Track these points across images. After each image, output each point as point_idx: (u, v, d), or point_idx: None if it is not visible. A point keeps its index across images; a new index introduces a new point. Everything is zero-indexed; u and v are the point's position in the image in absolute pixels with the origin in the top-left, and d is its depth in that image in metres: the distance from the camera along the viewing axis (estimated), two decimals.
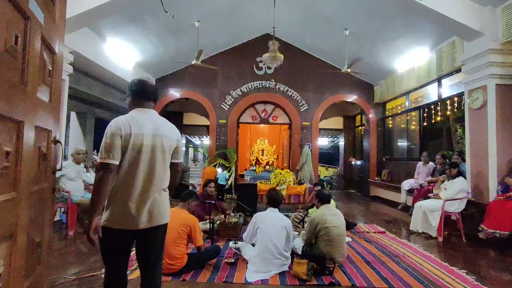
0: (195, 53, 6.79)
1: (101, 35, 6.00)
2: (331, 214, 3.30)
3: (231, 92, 8.96)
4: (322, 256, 3.10)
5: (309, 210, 4.29)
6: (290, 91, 8.99)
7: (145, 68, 8.00)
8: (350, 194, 10.03)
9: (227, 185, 8.07)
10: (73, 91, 6.53)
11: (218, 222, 4.31)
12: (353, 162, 10.86)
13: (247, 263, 3.16)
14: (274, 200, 3.20)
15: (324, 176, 12.88)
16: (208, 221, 4.19)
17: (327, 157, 15.06)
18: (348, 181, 11.28)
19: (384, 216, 6.30)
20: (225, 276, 2.94)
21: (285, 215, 5.27)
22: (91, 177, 4.55)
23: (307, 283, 2.82)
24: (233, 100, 8.96)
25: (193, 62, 6.68)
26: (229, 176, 8.52)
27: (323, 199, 3.44)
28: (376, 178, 8.74)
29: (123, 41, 6.46)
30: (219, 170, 8.02)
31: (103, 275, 1.85)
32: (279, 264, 3.04)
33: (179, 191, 8.34)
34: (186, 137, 12.55)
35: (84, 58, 5.60)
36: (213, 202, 3.96)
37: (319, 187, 4.50)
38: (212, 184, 4.73)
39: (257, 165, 10.08)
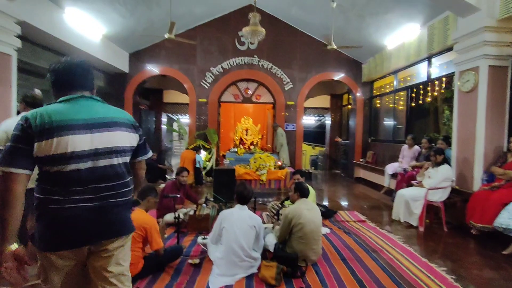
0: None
1: (58, 3, 5.30)
2: (307, 209, 3.06)
3: (211, 69, 8.51)
4: (293, 256, 2.86)
5: (285, 202, 4.02)
6: (275, 69, 8.63)
7: (115, 41, 7.35)
8: (335, 175, 9.99)
9: (206, 168, 7.76)
10: (32, 67, 5.89)
11: (185, 213, 4.05)
12: (339, 142, 10.70)
13: (212, 264, 2.89)
14: (242, 196, 2.90)
15: (310, 155, 12.78)
16: (177, 212, 3.89)
17: (314, 136, 14.86)
18: (333, 162, 11.23)
19: (366, 200, 6.22)
20: (185, 281, 2.66)
21: (262, 204, 5.14)
22: None
23: None
24: (213, 77, 8.55)
25: (166, 36, 6.06)
26: (210, 158, 8.24)
27: (302, 193, 3.19)
28: (361, 160, 8.66)
29: (84, 11, 5.77)
30: (201, 153, 7.66)
31: None
32: (247, 267, 2.78)
33: (156, 176, 7.91)
34: (168, 116, 12.01)
35: (38, 31, 4.96)
36: (178, 196, 3.66)
37: (298, 176, 4.21)
38: (185, 173, 4.43)
39: (241, 146, 9.81)
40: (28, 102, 2.77)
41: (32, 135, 1.23)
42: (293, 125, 8.77)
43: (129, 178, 1.46)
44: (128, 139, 1.46)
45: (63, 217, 1.27)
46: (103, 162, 1.35)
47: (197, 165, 7.22)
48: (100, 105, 1.42)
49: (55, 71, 1.39)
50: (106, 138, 1.37)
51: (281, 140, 7.99)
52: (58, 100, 1.36)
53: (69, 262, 1.34)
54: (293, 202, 3.31)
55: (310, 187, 4.45)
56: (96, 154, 1.33)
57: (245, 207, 2.93)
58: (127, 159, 1.47)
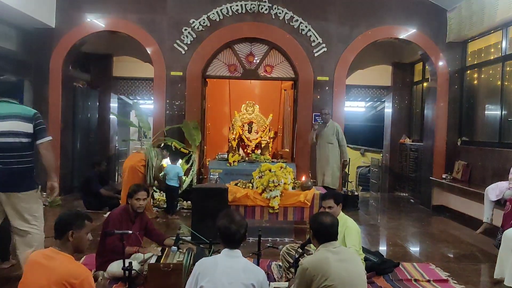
0: None
1: None
2: (339, 260, 3.03)
3: (191, 21, 8.58)
4: None
5: (309, 246, 4.01)
6: (297, 20, 8.65)
7: None
8: (398, 201, 9.94)
9: (182, 187, 7.82)
10: None
11: (142, 261, 4.07)
12: (407, 145, 10.66)
13: None
14: (228, 234, 2.90)
15: (358, 167, 12.72)
16: (128, 260, 3.93)
17: (364, 134, 14.77)
18: (396, 178, 11.13)
19: (452, 245, 6.19)
20: None
21: (272, 247, 5.12)
22: None
23: None
24: (195, 35, 8.62)
25: None
26: (188, 169, 8.29)
27: (320, 235, 3.16)
28: (444, 176, 8.58)
29: None
30: (166, 160, 7.68)
31: None
32: None
33: (101, 200, 7.98)
34: (120, 99, 12.10)
35: None
36: (129, 232, 3.66)
37: (329, 202, 4.21)
38: (143, 194, 4.46)
39: (240, 149, 9.82)
40: None
41: None
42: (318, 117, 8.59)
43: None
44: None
45: None
46: None
47: (169, 182, 7.26)
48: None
49: None
50: None
51: (333, 142, 7.86)
52: None
53: None
54: (315, 247, 3.29)
55: (351, 221, 4.46)
56: None
57: (238, 252, 2.93)
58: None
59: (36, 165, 4.09)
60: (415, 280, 4.60)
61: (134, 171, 7.01)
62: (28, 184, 3.94)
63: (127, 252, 4.10)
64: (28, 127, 3.88)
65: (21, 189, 3.89)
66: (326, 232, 3.15)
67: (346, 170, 8.33)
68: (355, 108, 13.79)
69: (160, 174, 7.37)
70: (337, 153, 7.91)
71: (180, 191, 7.73)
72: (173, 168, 7.48)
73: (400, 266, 4.96)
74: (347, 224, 4.24)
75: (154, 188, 7.73)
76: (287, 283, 3.68)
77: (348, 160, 8.22)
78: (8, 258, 4.62)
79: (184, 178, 7.95)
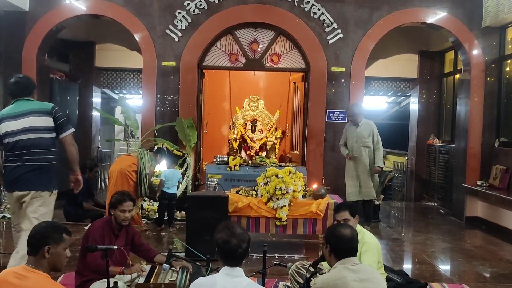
0: None
1: None
2: (358, 280, 3.00)
3: (186, 4, 8.60)
4: None
5: (322, 264, 3.99)
6: (308, 2, 8.69)
7: None
8: (426, 211, 9.98)
9: (179, 194, 7.84)
10: None
11: (128, 281, 4.06)
12: (436, 146, 10.69)
13: None
14: (228, 250, 2.87)
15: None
16: (113, 280, 3.89)
17: (387, 134, 14.77)
18: (424, 185, 11.18)
19: (489, 263, 6.18)
20: None
21: (279, 264, 5.10)
22: None
23: None
24: (190, 20, 8.64)
25: None
26: (183, 173, 8.32)
27: (338, 250, 3.15)
28: (479, 182, 8.55)
29: None
30: (161, 164, 7.67)
31: None
32: None
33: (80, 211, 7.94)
34: (104, 93, 12.14)
35: None
36: (114, 247, 3.61)
37: (345, 214, 4.18)
38: (128, 205, 4.44)
39: (242, 151, 9.81)
40: None
41: None
42: (343, 112, 8.73)
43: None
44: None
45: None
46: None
47: (166, 189, 7.30)
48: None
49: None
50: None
51: (371, 145, 7.70)
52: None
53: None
54: (330, 265, 3.26)
55: (370, 235, 4.42)
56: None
57: (239, 270, 2.91)
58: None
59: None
60: None
61: (124, 177, 6.92)
62: (42, 184, 4.36)
63: (112, 271, 4.06)
64: (47, 121, 4.38)
65: (34, 187, 4.31)
66: (346, 247, 3.17)
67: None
68: (376, 104, 13.75)
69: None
70: (374, 159, 7.78)
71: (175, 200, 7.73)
72: (174, 174, 7.53)
73: (428, 287, 4.91)
74: (365, 239, 4.23)
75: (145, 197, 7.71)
76: None
77: (382, 168, 8.04)
78: None
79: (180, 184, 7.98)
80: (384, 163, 8.69)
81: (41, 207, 4.36)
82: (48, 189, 4.41)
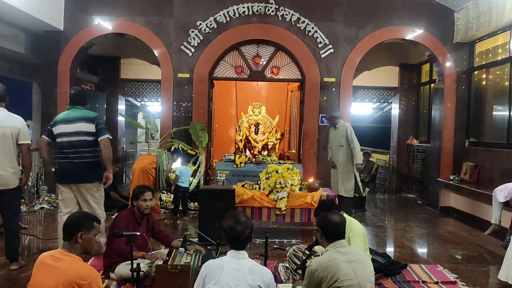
0: None
1: None
2: (347, 261, 3.02)
3: (198, 24, 8.63)
4: None
5: (316, 248, 4.00)
6: (303, 22, 8.70)
7: None
8: (406, 202, 9.95)
9: (191, 187, 7.85)
10: None
11: (149, 263, 4.09)
12: (414, 146, 10.69)
13: None
14: (234, 236, 2.90)
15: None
16: (136, 261, 3.92)
17: (371, 135, 14.78)
18: (403, 179, 11.17)
19: (460, 246, 6.19)
20: None
21: (279, 248, 5.10)
22: None
23: None
24: (202, 37, 8.67)
25: None
26: (196, 170, 8.36)
27: (328, 232, 3.16)
28: (452, 177, 8.59)
29: None
30: (177, 162, 7.68)
31: None
32: None
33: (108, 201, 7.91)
34: (128, 101, 12.15)
35: None
36: (137, 233, 3.65)
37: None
38: (149, 195, 4.47)
39: (247, 150, 9.81)
40: None
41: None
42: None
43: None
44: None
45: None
46: None
47: (180, 183, 7.33)
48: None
49: None
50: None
51: (344, 144, 7.23)
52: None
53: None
54: (323, 246, 3.28)
55: (356, 223, 4.44)
56: None
57: (243, 253, 2.92)
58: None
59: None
60: (423, 282, 4.58)
61: (145, 173, 6.94)
62: (93, 176, 4.84)
63: (135, 255, 4.10)
64: (91, 127, 4.77)
65: (89, 180, 4.80)
66: (334, 230, 3.18)
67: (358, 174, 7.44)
68: (362, 110, 13.74)
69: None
70: (350, 157, 7.22)
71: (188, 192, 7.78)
72: (186, 170, 7.60)
73: (407, 267, 4.94)
74: (351, 226, 4.26)
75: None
76: (291, 284, 3.66)
77: (361, 164, 7.45)
78: (17, 259, 4.65)
79: (191, 179, 7.98)
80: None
81: (95, 193, 4.90)
82: (97, 180, 4.86)
